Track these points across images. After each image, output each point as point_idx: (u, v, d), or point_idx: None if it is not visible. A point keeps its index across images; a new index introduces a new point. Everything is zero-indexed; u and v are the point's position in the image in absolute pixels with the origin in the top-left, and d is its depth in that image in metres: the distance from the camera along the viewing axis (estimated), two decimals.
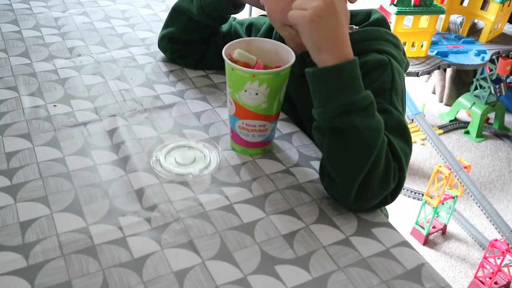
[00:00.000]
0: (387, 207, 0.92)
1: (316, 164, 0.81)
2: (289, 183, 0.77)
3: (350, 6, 0.80)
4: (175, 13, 1.03)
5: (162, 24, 1.20)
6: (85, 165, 0.79)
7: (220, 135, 0.87)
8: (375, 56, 0.80)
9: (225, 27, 1.03)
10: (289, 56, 0.77)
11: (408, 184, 2.32)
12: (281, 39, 0.85)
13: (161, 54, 1.10)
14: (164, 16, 1.26)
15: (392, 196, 0.73)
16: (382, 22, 0.87)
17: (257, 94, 0.74)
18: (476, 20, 2.35)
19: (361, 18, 0.90)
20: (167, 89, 0.99)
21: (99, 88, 0.98)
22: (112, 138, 0.84)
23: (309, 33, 0.69)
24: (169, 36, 1.04)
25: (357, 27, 0.88)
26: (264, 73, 0.73)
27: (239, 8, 0.97)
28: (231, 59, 0.76)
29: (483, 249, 1.94)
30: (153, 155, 0.81)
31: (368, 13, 0.90)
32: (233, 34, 1.02)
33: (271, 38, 0.91)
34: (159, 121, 0.89)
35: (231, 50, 0.78)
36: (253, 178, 0.78)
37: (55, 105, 0.92)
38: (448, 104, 2.92)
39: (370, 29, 0.84)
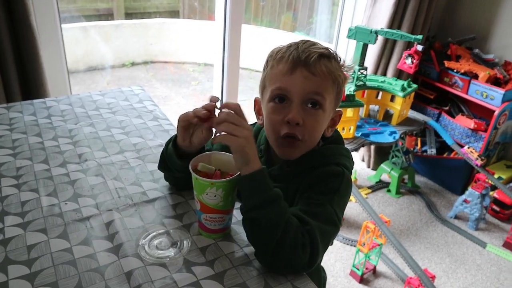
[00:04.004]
0: (326, 267, 0.95)
1: None
2: (242, 260, 0.80)
3: None
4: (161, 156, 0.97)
5: (149, 131, 1.25)
6: (87, 253, 0.80)
7: (191, 222, 0.89)
8: (334, 167, 0.85)
9: None
10: None
11: (346, 234, 2.35)
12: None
13: (148, 157, 1.13)
14: (151, 124, 1.31)
15: (309, 265, 0.75)
16: (339, 139, 0.93)
17: (215, 196, 0.78)
18: (388, 108, 2.45)
19: None
20: (151, 186, 1.01)
21: (100, 187, 0.99)
22: (109, 229, 0.86)
23: (242, 152, 0.74)
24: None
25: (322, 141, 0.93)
26: (219, 182, 0.77)
27: (183, 159, 0.87)
28: (195, 171, 0.80)
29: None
30: (139, 242, 0.83)
31: None
32: None
33: None
34: (145, 213, 0.91)
35: (196, 163, 0.82)
36: (215, 258, 0.80)
37: (66, 203, 0.93)
38: (374, 169, 2.99)
39: (331, 147, 0.90)
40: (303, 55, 0.81)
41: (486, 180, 2.37)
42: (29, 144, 1.16)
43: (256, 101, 0.94)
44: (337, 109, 0.90)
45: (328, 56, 0.83)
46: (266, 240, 0.73)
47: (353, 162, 0.93)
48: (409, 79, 2.40)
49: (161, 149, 1.14)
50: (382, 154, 2.98)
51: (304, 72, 0.81)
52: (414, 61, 2.24)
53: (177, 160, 0.87)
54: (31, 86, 1.59)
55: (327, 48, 0.85)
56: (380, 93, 2.43)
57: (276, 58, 0.84)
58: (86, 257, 0.79)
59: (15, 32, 1.50)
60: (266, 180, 0.75)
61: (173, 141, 0.89)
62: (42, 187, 0.98)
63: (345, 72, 0.87)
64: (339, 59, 0.86)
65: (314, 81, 0.81)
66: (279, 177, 0.78)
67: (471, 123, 2.56)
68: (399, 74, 2.68)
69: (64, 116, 1.33)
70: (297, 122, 0.81)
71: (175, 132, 1.01)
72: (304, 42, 0.85)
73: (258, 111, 0.94)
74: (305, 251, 0.74)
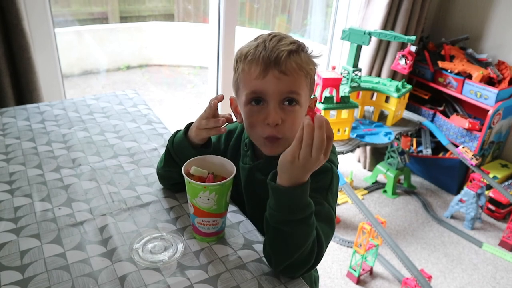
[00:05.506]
0: (323, 269, 0.93)
1: (257, 247, 0.84)
2: (236, 263, 0.80)
3: None
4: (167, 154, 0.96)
5: (143, 135, 1.24)
6: (81, 258, 0.80)
7: (185, 226, 0.89)
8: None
9: None
10: (232, 169, 0.81)
11: (343, 235, 2.35)
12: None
13: (142, 161, 1.12)
14: (145, 128, 1.31)
15: (313, 267, 0.76)
16: None
17: (208, 199, 0.78)
18: (383, 109, 2.45)
19: None
20: (145, 190, 1.01)
21: (94, 192, 0.99)
22: (102, 233, 0.86)
23: (291, 167, 0.69)
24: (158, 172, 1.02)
25: None
26: (212, 185, 0.77)
27: (198, 148, 0.90)
28: (188, 174, 0.80)
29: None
30: (133, 247, 0.82)
31: None
32: None
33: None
34: (139, 217, 0.91)
35: (189, 167, 0.82)
36: (209, 261, 0.80)
37: (59, 208, 0.93)
38: (370, 169, 2.99)
39: None
40: (272, 55, 0.79)
41: (481, 179, 2.38)
42: (22, 149, 1.15)
43: (231, 101, 0.93)
44: (311, 96, 0.90)
45: (297, 51, 0.82)
46: (291, 252, 0.73)
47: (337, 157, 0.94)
48: (404, 79, 2.41)
49: (154, 153, 1.16)
50: (377, 155, 2.98)
51: (276, 73, 0.80)
52: (408, 61, 2.24)
53: (192, 150, 0.88)
54: (24, 91, 1.59)
55: (294, 42, 0.83)
56: (375, 94, 2.43)
57: (246, 60, 0.82)
58: (79, 262, 0.78)
59: (7, 37, 1.50)
60: (306, 196, 0.72)
61: (184, 134, 0.89)
62: (36, 192, 0.98)
63: (314, 60, 0.86)
64: (307, 49, 0.85)
65: (287, 80, 0.80)
66: (267, 170, 0.78)
67: (465, 123, 2.57)
68: (394, 75, 2.69)
69: (57, 121, 1.32)
70: (277, 123, 0.81)
71: (169, 136, 0.99)
72: (271, 38, 0.83)
73: (235, 110, 0.92)
74: (314, 256, 0.74)
